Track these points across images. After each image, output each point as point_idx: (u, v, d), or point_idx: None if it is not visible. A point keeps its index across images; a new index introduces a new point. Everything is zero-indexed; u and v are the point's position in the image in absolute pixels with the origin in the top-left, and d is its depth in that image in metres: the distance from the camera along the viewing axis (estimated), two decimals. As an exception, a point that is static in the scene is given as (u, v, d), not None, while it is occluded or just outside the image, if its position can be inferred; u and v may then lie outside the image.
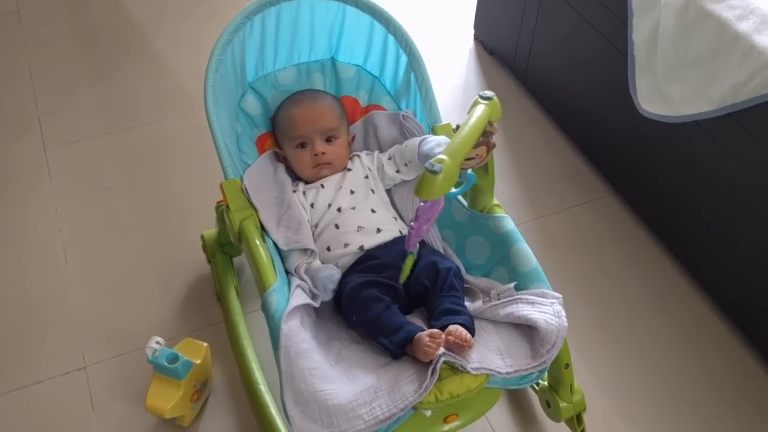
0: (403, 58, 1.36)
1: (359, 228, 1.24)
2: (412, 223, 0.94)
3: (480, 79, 2.15)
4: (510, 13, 2.00)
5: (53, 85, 2.08)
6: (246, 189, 1.22)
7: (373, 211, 1.28)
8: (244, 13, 1.26)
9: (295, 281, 1.16)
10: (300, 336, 1.05)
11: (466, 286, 1.22)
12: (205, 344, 1.33)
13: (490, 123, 0.99)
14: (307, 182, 1.34)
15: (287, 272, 1.21)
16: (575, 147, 1.90)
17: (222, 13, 2.16)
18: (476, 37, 2.26)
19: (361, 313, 1.13)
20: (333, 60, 1.43)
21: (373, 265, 1.18)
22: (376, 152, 1.37)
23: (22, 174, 1.81)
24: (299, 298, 1.11)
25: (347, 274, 1.20)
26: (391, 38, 1.35)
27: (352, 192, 1.29)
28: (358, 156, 1.36)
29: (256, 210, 1.22)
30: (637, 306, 1.57)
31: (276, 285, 1.11)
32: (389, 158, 1.33)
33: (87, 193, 1.77)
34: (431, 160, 0.86)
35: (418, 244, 1.01)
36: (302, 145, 1.32)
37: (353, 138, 1.40)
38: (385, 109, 1.43)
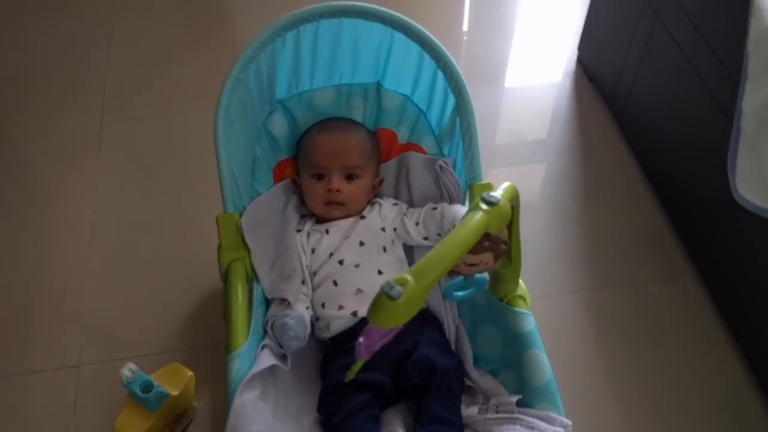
0: (451, 100, 1.18)
1: (358, 291, 1.10)
2: (360, 339, 0.78)
3: (571, 107, 1.91)
4: (616, 39, 1.74)
5: (128, 55, 2.04)
6: (241, 227, 1.10)
7: (380, 272, 1.12)
8: (272, 29, 1.12)
9: (265, 339, 1.04)
10: (253, 415, 0.93)
11: (467, 383, 1.05)
12: (190, 373, 1.24)
13: (498, 229, 0.81)
14: (318, 220, 1.21)
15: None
16: (662, 209, 1.64)
17: None
18: (579, 59, 2.00)
19: (327, 416, 1.00)
20: (378, 85, 1.26)
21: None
22: (404, 209, 1.21)
23: (74, 146, 1.79)
24: (264, 360, 0.99)
25: (334, 350, 1.07)
26: (440, 74, 1.17)
27: (361, 244, 1.14)
28: (380, 204, 1.21)
29: (248, 251, 1.10)
30: (697, 424, 1.31)
31: (243, 349, 0.99)
32: (416, 224, 1.17)
33: (129, 177, 1.72)
34: (390, 281, 0.69)
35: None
36: (319, 177, 1.19)
37: (381, 181, 1.25)
38: (424, 151, 1.26)
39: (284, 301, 1.09)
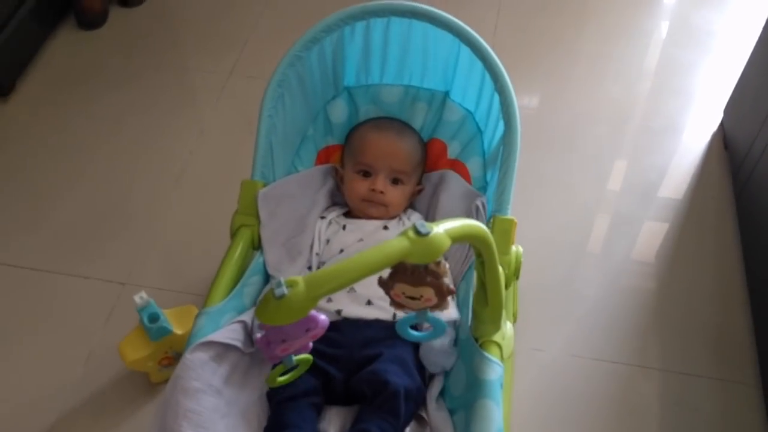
0: (501, 126, 1.13)
1: (351, 290, 1.10)
2: (258, 335, 0.78)
3: (697, 169, 1.73)
4: (756, 109, 1.55)
5: (276, 19, 2.14)
6: (258, 197, 1.14)
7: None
8: (340, 15, 1.15)
9: (246, 314, 1.07)
10: (198, 372, 0.98)
11: (421, 413, 1.02)
12: (201, 319, 1.32)
13: (437, 263, 0.77)
14: (345, 213, 1.22)
15: None
16: (749, 308, 1.44)
17: None
18: (722, 123, 1.81)
19: (273, 389, 1.01)
20: (446, 95, 1.25)
21: (324, 342, 1.04)
22: None
23: (198, 88, 1.95)
24: (226, 333, 1.02)
25: None
26: (497, 97, 1.13)
27: None
28: (405, 222, 1.19)
29: (259, 221, 1.14)
30: None
31: (214, 308, 1.04)
32: None
33: (234, 130, 1.83)
34: (282, 280, 0.69)
35: (293, 357, 0.83)
36: (365, 174, 1.20)
37: (420, 190, 1.23)
38: (467, 171, 1.22)
39: None
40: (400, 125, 1.25)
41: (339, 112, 1.28)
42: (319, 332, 0.77)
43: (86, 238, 1.59)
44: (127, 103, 1.89)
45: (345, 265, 0.71)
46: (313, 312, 0.74)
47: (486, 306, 0.94)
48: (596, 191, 1.69)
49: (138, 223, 1.63)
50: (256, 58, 2.03)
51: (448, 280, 0.80)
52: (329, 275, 0.70)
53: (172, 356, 1.32)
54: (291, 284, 0.69)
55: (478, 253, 0.87)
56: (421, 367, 1.07)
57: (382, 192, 1.18)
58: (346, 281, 0.70)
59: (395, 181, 1.20)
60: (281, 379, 0.87)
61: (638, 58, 2.02)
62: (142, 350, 1.28)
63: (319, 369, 1.00)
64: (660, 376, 1.36)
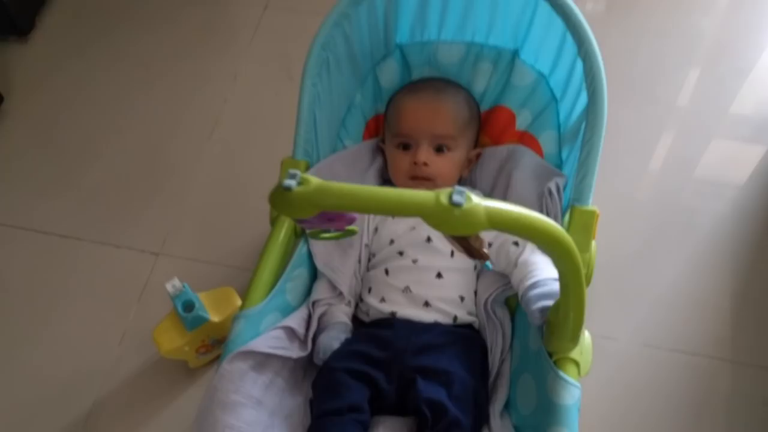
0: (583, 97, 0.99)
1: (406, 289, 1.01)
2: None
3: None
4: None
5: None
6: None
7: (439, 275, 1.02)
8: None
9: (291, 318, 0.99)
10: (237, 384, 0.91)
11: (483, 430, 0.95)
12: (239, 303, 1.24)
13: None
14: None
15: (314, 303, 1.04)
16: None
17: None
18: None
19: (317, 398, 0.94)
20: (515, 55, 1.10)
21: (374, 343, 0.97)
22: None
23: (231, 27, 1.82)
24: (268, 342, 0.95)
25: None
26: (580, 63, 0.98)
27: (428, 240, 1.04)
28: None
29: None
30: None
31: (253, 310, 0.96)
32: (489, 244, 1.02)
33: (270, 75, 1.71)
34: (299, 173, 0.67)
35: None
36: (404, 147, 1.08)
37: (478, 155, 1.11)
38: (540, 146, 1.09)
39: (335, 289, 1.03)
40: (440, 83, 1.12)
41: (390, 74, 1.15)
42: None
43: (116, 202, 1.52)
44: (154, 45, 1.78)
45: (359, 190, 0.67)
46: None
47: (566, 320, 0.84)
48: (682, 148, 1.54)
49: (170, 185, 1.55)
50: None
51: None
52: (340, 192, 0.67)
53: (209, 344, 1.27)
54: (303, 181, 0.66)
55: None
56: (481, 370, 0.99)
57: (425, 164, 1.06)
58: (355, 206, 0.69)
59: (440, 150, 1.08)
60: (325, 235, 0.83)
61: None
62: (177, 340, 1.21)
63: (368, 378, 0.93)
64: (749, 373, 1.25)
